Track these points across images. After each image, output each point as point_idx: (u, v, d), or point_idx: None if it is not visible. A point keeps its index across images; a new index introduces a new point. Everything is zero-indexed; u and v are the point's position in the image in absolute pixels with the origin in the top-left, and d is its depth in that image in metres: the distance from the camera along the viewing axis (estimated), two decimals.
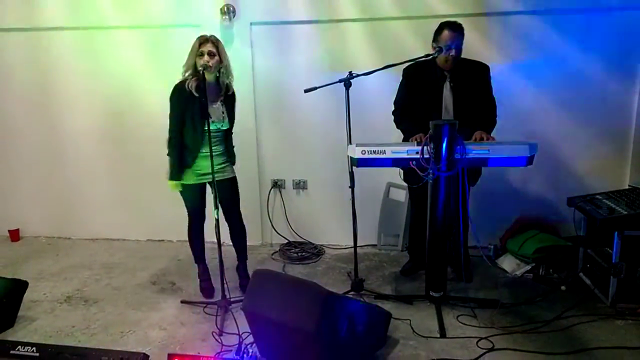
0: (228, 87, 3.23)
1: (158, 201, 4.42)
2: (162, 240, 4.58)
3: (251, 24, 4.05)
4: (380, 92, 3.80)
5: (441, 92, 3.27)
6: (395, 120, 3.46)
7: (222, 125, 3.22)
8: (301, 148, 4.27)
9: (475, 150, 2.91)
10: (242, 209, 3.48)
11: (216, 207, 2.99)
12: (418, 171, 2.93)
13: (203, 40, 3.09)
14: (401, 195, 4.16)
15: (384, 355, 2.73)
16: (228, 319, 3.02)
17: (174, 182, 3.22)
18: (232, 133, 3.36)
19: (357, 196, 3.31)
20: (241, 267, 3.57)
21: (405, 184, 3.55)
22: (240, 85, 3.55)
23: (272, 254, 4.23)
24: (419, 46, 3.59)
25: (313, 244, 4.34)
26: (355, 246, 3.37)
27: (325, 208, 4.34)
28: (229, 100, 3.28)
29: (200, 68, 2.99)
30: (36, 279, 3.77)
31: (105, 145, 4.44)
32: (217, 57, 3.09)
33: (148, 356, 2.60)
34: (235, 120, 3.35)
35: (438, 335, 2.90)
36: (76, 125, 4.44)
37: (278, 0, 4.01)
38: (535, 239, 3.73)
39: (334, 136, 3.86)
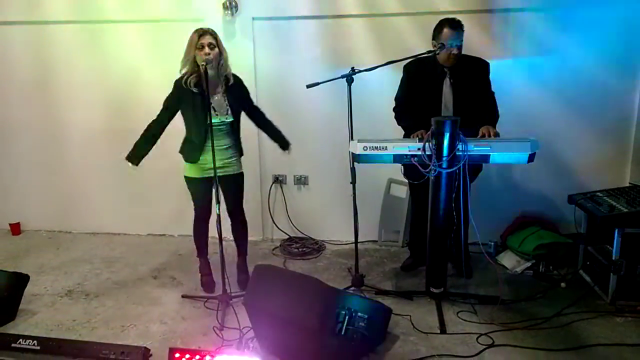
0: (228, 78, 3.20)
1: (159, 196, 4.43)
2: (163, 235, 4.58)
3: (253, 19, 4.04)
4: (382, 88, 3.80)
5: (441, 89, 3.27)
6: (396, 117, 3.46)
7: (226, 118, 3.20)
8: (303, 144, 4.25)
9: (477, 147, 2.91)
10: (243, 204, 3.48)
11: (217, 202, 2.99)
12: (420, 167, 2.94)
13: (202, 33, 3.07)
14: (402, 191, 4.16)
15: (384, 350, 2.74)
16: (229, 313, 3.02)
17: (129, 162, 3.22)
18: (239, 126, 3.32)
19: (358, 192, 3.31)
20: (240, 263, 3.58)
21: (406, 180, 3.55)
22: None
23: (273, 249, 4.23)
24: (421, 42, 3.58)
25: (314, 240, 4.35)
26: (356, 242, 3.37)
27: (326, 204, 4.34)
28: (233, 91, 3.23)
29: (202, 64, 2.97)
30: (37, 272, 3.77)
31: (107, 140, 4.43)
32: (217, 49, 3.08)
33: (149, 350, 2.60)
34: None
35: (438, 331, 2.91)
36: (78, 120, 4.43)
37: None
38: (536, 236, 3.73)
39: (336, 132, 3.85)
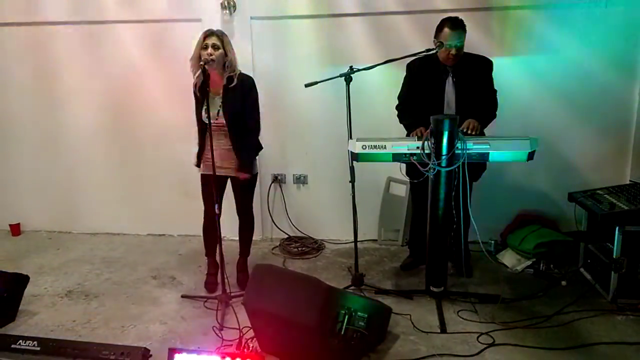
0: (230, 80, 3.18)
1: (159, 195, 4.44)
2: (163, 235, 4.58)
3: (251, 18, 4.04)
4: (381, 87, 3.80)
5: (443, 87, 3.27)
6: (398, 115, 3.46)
7: (217, 119, 3.18)
8: (302, 143, 4.27)
9: (476, 145, 2.90)
10: (250, 205, 3.48)
11: (216, 202, 2.99)
12: (419, 166, 2.93)
13: (209, 33, 3.12)
14: (402, 190, 4.15)
15: (385, 350, 2.73)
16: (228, 313, 3.02)
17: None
18: (240, 127, 3.26)
19: (358, 191, 3.30)
20: (240, 262, 3.58)
21: (405, 179, 3.55)
22: None
23: (273, 249, 4.23)
24: (420, 41, 3.57)
25: (313, 239, 4.34)
26: (355, 241, 3.37)
27: (325, 203, 4.33)
28: (232, 93, 3.18)
29: (201, 63, 2.98)
30: (37, 273, 3.77)
31: (107, 140, 4.44)
32: (221, 50, 3.09)
33: (149, 350, 2.60)
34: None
35: (438, 331, 2.90)
36: (77, 120, 4.43)
37: None
38: (536, 234, 3.73)
39: (335, 131, 3.85)
